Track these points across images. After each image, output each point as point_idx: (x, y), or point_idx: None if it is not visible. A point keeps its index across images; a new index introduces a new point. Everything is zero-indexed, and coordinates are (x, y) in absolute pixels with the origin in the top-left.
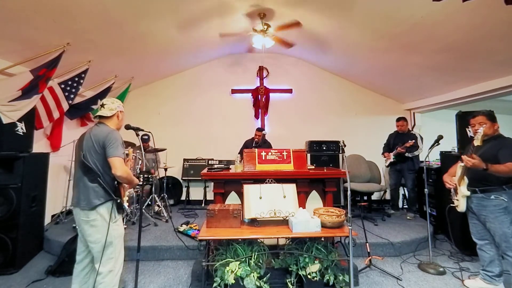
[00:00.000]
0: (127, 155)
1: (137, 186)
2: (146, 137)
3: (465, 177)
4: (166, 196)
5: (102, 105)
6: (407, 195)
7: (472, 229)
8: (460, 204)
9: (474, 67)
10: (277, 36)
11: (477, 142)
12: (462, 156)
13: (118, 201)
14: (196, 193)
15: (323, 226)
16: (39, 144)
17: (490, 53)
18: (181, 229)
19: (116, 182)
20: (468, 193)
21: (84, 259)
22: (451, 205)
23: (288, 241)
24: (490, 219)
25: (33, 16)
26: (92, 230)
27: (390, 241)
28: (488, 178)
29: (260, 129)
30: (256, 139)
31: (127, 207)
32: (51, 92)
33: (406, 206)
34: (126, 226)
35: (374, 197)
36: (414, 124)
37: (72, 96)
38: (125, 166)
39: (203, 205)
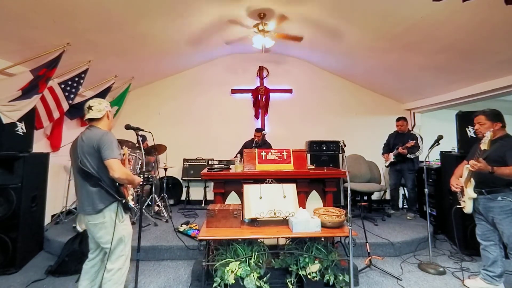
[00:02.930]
0: (123, 154)
1: (137, 186)
2: (141, 138)
3: (471, 179)
4: (166, 196)
5: (90, 107)
6: (407, 195)
7: (478, 230)
8: (467, 206)
9: (474, 67)
10: (282, 33)
11: (483, 146)
12: (470, 162)
13: (123, 201)
14: (196, 193)
15: (323, 226)
16: (39, 144)
17: (490, 53)
18: (181, 229)
19: (117, 182)
20: (475, 195)
21: (95, 257)
22: (458, 206)
23: (288, 241)
24: (498, 220)
25: (33, 16)
26: (102, 232)
27: (390, 241)
28: (495, 180)
29: (260, 129)
30: (256, 139)
31: (133, 206)
32: (51, 92)
33: (406, 206)
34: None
35: (374, 197)
36: (414, 124)
37: (72, 96)
38: (123, 167)
39: (203, 205)
